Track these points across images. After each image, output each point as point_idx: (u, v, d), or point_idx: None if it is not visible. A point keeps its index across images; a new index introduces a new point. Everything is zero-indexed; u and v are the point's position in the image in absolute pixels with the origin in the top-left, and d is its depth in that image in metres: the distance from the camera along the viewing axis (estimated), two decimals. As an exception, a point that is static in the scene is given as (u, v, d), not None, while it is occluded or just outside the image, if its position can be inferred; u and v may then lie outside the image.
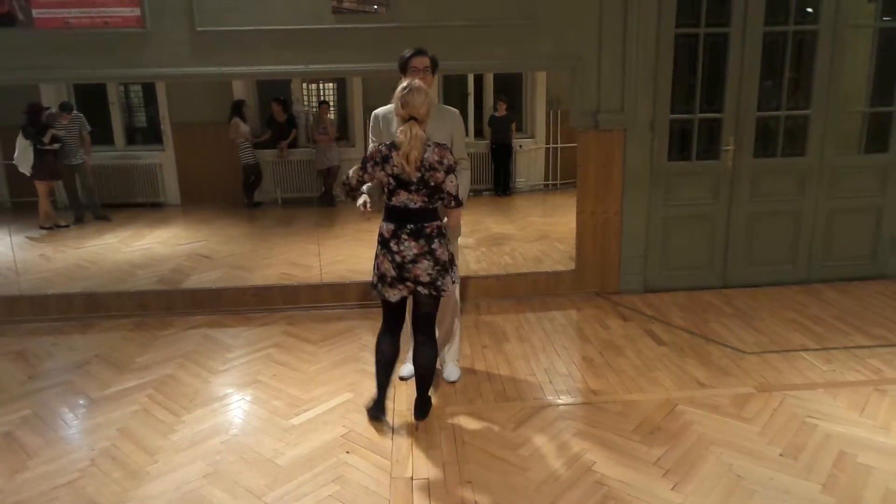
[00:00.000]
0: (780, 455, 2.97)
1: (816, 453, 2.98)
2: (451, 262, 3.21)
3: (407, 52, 3.41)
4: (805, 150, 5.09)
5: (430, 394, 3.41)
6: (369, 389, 3.64)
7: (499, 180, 9.72)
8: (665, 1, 4.70)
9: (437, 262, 3.08)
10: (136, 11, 4.50)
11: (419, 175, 2.98)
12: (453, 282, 3.25)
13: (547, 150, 10.07)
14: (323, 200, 9.10)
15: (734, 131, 4.97)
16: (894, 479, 2.78)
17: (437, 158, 2.98)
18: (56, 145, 7.52)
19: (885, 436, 3.11)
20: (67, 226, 7.83)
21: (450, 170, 3.02)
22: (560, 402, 3.53)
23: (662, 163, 4.99)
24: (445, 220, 3.21)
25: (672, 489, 2.75)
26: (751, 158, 5.05)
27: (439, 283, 3.12)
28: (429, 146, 2.99)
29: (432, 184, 3.01)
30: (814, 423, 3.22)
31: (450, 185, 3.04)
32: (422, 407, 3.36)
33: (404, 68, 3.38)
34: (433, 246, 3.07)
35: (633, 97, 4.83)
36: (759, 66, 4.89)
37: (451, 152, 3.07)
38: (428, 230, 3.07)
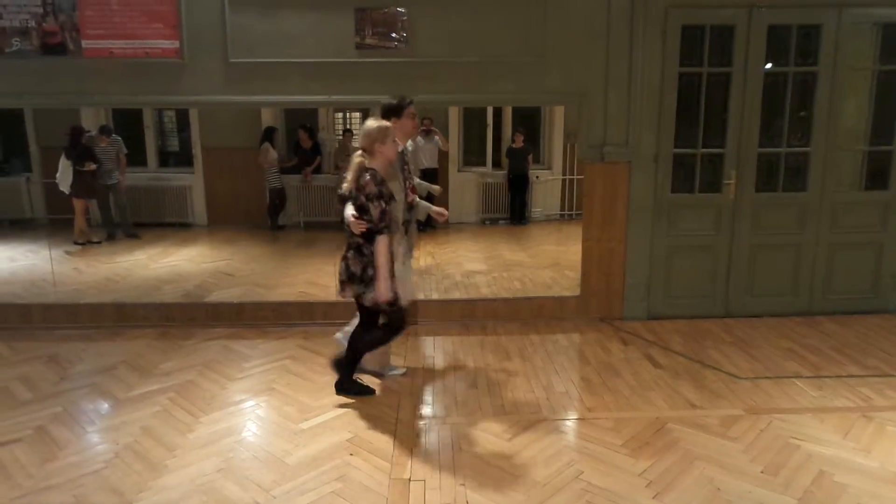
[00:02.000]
0: (761, 472, 3.11)
1: (796, 471, 3.12)
2: (369, 280, 3.59)
3: (403, 100, 3.93)
4: (806, 185, 5.26)
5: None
6: (376, 399, 3.92)
7: (515, 210, 9.97)
8: (669, 42, 4.96)
9: (347, 269, 3.65)
10: (175, 44, 4.89)
11: (354, 194, 3.58)
12: (374, 301, 3.65)
13: (563, 181, 10.32)
14: (344, 225, 9.38)
15: (736, 166, 5.17)
16: (868, 497, 2.91)
17: (362, 184, 3.53)
18: (93, 166, 7.96)
19: (865, 458, 3.24)
20: (99, 242, 8.23)
21: (369, 198, 3.50)
22: (555, 417, 3.71)
23: (666, 194, 5.19)
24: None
25: (653, 498, 2.91)
26: (752, 192, 5.23)
27: (347, 288, 3.68)
28: (365, 172, 3.53)
29: (357, 203, 3.56)
30: (797, 444, 3.36)
31: (372, 210, 3.53)
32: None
33: (399, 113, 3.89)
34: (348, 255, 3.66)
35: (638, 132, 5.06)
36: (760, 104, 5.10)
37: (376, 184, 3.51)
38: (350, 241, 3.66)
